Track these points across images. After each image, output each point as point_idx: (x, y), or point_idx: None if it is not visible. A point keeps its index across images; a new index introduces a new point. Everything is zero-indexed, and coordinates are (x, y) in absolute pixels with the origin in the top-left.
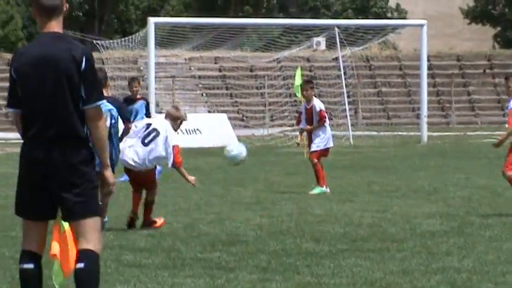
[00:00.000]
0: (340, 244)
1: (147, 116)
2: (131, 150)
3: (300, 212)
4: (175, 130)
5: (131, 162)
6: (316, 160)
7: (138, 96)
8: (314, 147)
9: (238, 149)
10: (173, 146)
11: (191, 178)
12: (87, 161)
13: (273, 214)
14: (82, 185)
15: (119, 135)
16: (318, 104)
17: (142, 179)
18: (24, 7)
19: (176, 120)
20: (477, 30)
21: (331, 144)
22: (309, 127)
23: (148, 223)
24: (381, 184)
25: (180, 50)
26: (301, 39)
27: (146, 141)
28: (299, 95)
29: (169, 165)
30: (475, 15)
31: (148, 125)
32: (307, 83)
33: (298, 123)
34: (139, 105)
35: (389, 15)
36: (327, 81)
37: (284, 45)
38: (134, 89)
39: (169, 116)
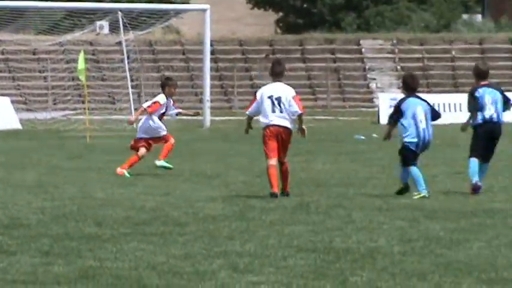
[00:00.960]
0: (123, 228)
1: None
2: None
3: (83, 196)
4: None
5: None
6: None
7: None
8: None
9: None
10: None
11: None
12: None
13: (56, 198)
14: None
15: None
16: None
17: None
18: None
19: None
20: (260, 16)
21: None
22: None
23: None
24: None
25: None
26: (85, 23)
27: None
28: (82, 78)
29: None
30: (257, 1)
31: None
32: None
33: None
34: None
35: None
36: (110, 65)
37: (67, 29)
38: None
39: None
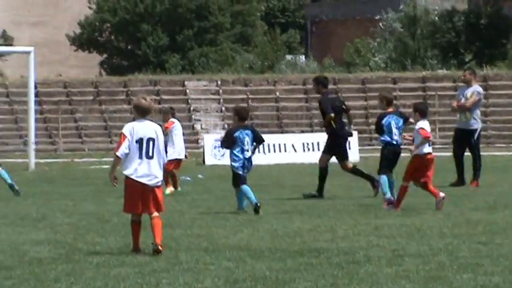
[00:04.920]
0: None
1: None
2: None
3: None
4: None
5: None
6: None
7: None
8: None
9: None
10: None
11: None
12: None
13: None
14: None
15: None
16: None
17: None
18: None
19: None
20: (84, 58)
21: None
22: None
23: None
24: None
25: None
26: None
27: None
28: None
29: None
30: (81, 42)
31: None
32: None
33: None
34: None
35: None
36: None
37: None
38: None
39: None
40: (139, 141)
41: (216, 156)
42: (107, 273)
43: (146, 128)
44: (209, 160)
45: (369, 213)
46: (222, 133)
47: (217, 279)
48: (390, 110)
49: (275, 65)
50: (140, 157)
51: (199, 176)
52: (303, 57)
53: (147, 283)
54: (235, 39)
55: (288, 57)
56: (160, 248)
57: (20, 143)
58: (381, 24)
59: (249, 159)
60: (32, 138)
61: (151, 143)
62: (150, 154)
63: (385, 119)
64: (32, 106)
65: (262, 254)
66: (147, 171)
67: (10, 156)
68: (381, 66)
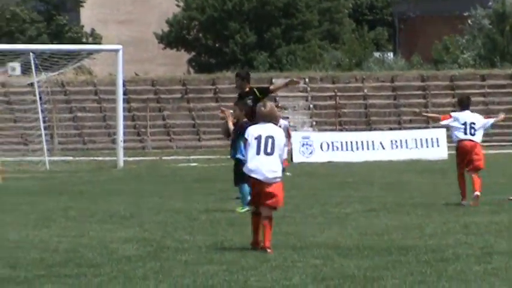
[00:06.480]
0: (37, 270)
1: None
2: None
3: None
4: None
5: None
6: None
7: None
8: None
9: None
10: None
11: None
12: None
13: None
14: None
15: None
16: None
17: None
18: None
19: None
20: (172, 56)
21: None
22: None
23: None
24: (78, 209)
25: None
26: None
27: None
28: None
29: None
30: (169, 41)
31: None
32: None
33: None
34: None
35: (84, 40)
36: (22, 107)
37: None
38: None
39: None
40: (258, 138)
41: (304, 153)
42: (195, 271)
43: (265, 128)
44: (297, 157)
45: (457, 211)
46: (310, 130)
47: (305, 277)
48: None
49: (363, 62)
50: (258, 153)
51: (287, 173)
52: (391, 55)
53: (235, 281)
54: (323, 37)
55: (376, 54)
56: (268, 251)
57: (108, 141)
58: (469, 21)
59: None
60: (120, 136)
61: (270, 140)
62: (269, 150)
63: None
64: (120, 104)
65: (350, 251)
66: (265, 167)
67: (99, 154)
68: (470, 63)
